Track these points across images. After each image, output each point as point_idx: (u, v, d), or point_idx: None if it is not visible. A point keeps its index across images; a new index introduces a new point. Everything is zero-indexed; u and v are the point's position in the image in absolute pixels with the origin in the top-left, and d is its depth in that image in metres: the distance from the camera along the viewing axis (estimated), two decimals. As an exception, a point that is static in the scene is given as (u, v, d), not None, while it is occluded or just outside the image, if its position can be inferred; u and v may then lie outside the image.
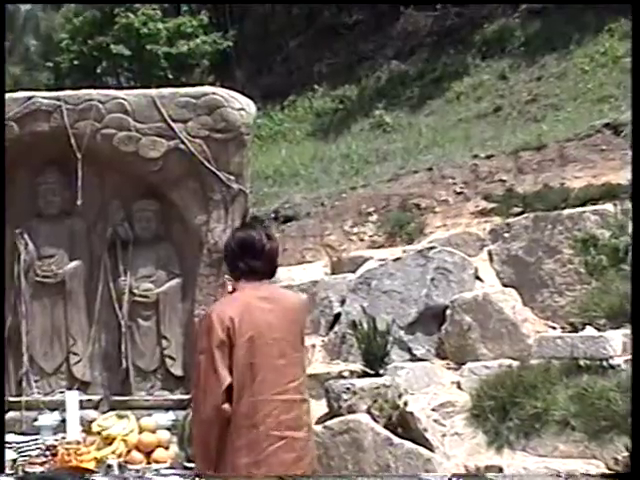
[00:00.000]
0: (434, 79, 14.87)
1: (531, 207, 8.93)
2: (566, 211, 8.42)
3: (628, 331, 6.65)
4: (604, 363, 6.08)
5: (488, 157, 10.93)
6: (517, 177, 10.27)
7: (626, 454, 5.85)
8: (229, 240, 4.24)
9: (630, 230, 4.73)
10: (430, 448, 6.80)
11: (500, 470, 6.51)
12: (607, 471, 5.95)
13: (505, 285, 8.44)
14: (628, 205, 7.40)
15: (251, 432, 3.95)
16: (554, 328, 7.99)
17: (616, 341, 6.70)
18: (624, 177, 8.90)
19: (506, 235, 8.70)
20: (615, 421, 3.95)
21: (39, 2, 19.56)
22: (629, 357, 6.33)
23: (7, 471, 4.91)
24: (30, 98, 5.75)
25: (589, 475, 5.19)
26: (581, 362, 6.13)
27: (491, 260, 8.74)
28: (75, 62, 16.39)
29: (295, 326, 4.16)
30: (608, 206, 8.12)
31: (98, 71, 16.15)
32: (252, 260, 4.12)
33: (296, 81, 16.85)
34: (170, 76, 15.75)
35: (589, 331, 6.62)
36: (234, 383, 3.94)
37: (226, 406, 3.92)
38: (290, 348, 4.11)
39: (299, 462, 4.04)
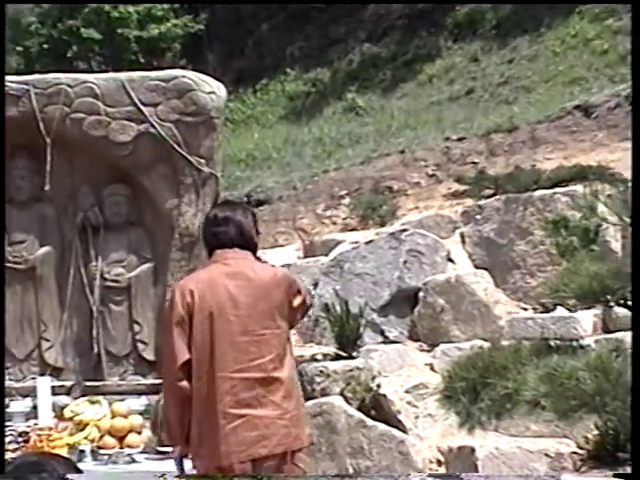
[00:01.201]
0: (406, 62, 14.89)
1: (502, 189, 8.98)
2: (537, 193, 8.47)
3: (598, 311, 6.71)
4: (574, 343, 6.13)
5: (460, 139, 10.97)
6: (489, 159, 10.31)
7: (596, 432, 5.91)
8: (205, 217, 4.31)
9: (602, 213, 4.76)
10: (403, 430, 6.84)
11: (472, 450, 6.57)
12: (577, 449, 6.02)
13: (477, 267, 8.49)
14: (598, 186, 7.44)
15: (209, 409, 3.89)
16: (525, 309, 8.04)
17: (586, 321, 6.77)
18: (594, 158, 8.97)
19: (478, 217, 8.73)
20: (584, 400, 3.98)
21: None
22: (599, 337, 6.40)
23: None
24: (-2, 82, 5.70)
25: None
26: (551, 342, 6.18)
27: (463, 242, 8.77)
28: (45, 46, 16.23)
29: (265, 302, 4.02)
30: (579, 187, 8.18)
31: (69, 55, 16.01)
32: (216, 228, 4.08)
33: (268, 64, 16.80)
34: (142, 60, 15.65)
35: (560, 312, 6.68)
36: (193, 360, 3.89)
37: (184, 383, 3.88)
38: (256, 325, 3.99)
39: (262, 441, 3.93)
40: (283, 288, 4.10)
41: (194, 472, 4.02)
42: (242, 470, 3.85)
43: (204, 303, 3.92)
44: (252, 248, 4.16)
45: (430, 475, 6.29)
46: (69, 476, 1.99)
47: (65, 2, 16.33)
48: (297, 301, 4.14)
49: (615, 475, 4.68)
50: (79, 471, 2.11)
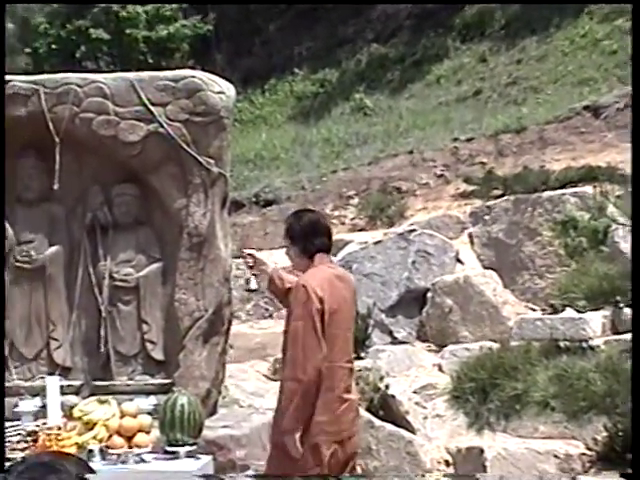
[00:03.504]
0: (414, 62, 14.87)
1: (511, 190, 8.97)
2: (546, 193, 8.46)
3: (607, 312, 6.69)
4: (583, 344, 6.11)
5: (468, 140, 10.96)
6: (497, 160, 10.30)
7: (605, 434, 5.90)
8: (295, 221, 4.72)
9: (609, 213, 4.75)
10: (412, 430, 6.84)
11: (481, 451, 6.56)
12: (586, 451, 6.00)
13: (486, 267, 8.48)
14: (607, 187, 7.42)
15: (327, 394, 4.48)
16: (534, 310, 8.03)
17: (595, 322, 6.75)
18: (603, 159, 8.95)
19: (486, 218, 8.73)
20: (594, 401, 3.97)
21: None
22: (608, 338, 6.38)
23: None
24: (7, 82, 5.69)
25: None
26: (561, 343, 6.16)
27: (472, 243, 8.77)
28: (53, 46, 16.25)
29: (353, 303, 4.82)
30: (587, 188, 8.16)
31: (77, 55, 16.03)
32: (322, 238, 4.67)
33: (276, 65, 16.80)
34: (150, 60, 15.66)
35: (569, 313, 6.66)
36: None
37: (319, 372, 4.43)
38: (352, 322, 4.79)
39: (356, 420, 4.69)
40: (355, 293, 4.93)
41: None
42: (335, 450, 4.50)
43: (330, 300, 4.48)
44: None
45: (446, 475, 6.29)
46: (88, 476, 1.99)
47: (71, 2, 16.35)
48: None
49: (621, 475, 4.67)
50: (92, 471, 2.10)
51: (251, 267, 5.27)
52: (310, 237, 4.64)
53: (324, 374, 4.46)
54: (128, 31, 15.94)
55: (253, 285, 5.39)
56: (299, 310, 4.46)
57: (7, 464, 4.65)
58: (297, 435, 4.44)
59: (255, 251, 5.45)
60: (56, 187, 5.61)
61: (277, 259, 9.00)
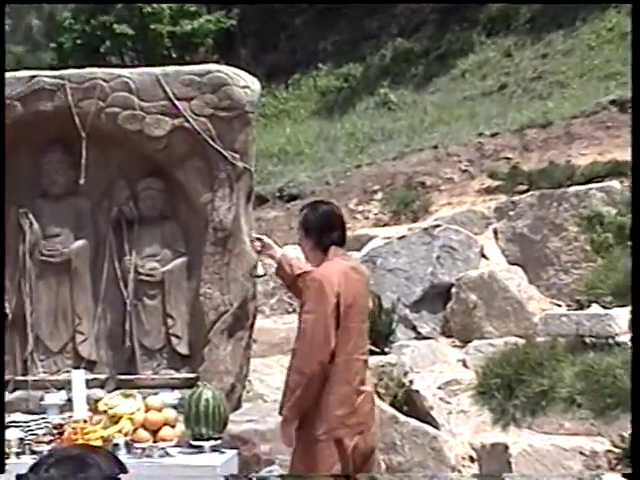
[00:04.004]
0: (439, 57, 14.81)
1: (536, 185, 8.92)
2: (572, 189, 8.40)
3: (634, 308, 6.63)
4: (610, 340, 6.08)
5: (493, 135, 10.91)
6: (522, 155, 10.25)
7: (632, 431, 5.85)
8: (309, 214, 4.68)
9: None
10: (436, 426, 6.82)
11: (506, 448, 6.53)
12: (612, 448, 5.96)
13: (510, 263, 8.44)
14: (634, 182, 7.37)
15: (344, 388, 4.48)
16: (559, 306, 7.99)
17: (621, 319, 6.70)
18: (630, 154, 8.86)
19: (511, 213, 8.68)
20: (621, 398, 3.94)
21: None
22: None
23: (14, 449, 4.92)
24: (33, 77, 5.72)
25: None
26: (587, 340, 6.14)
27: (496, 238, 8.73)
28: (78, 42, 16.32)
29: (367, 295, 4.83)
30: (614, 183, 8.11)
31: (101, 50, 16.09)
32: (337, 231, 4.64)
33: (300, 59, 16.78)
34: (174, 55, 15.70)
35: (595, 309, 6.61)
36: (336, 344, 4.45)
37: (327, 364, 4.40)
38: (365, 314, 4.73)
39: (372, 412, 4.67)
40: (368, 284, 4.91)
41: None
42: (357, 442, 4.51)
43: (346, 294, 4.47)
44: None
45: (474, 476, 6.28)
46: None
47: (79, 2, 16.43)
48: None
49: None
50: (121, 464, 2.10)
51: (259, 252, 5.22)
52: (325, 230, 4.62)
53: (341, 368, 4.46)
54: (152, 26, 15.98)
55: (260, 271, 5.29)
56: (311, 303, 4.46)
57: (32, 457, 4.68)
58: (293, 426, 4.47)
59: (265, 236, 5.34)
60: (82, 182, 5.63)
61: (300, 254, 9.01)
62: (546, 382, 4.54)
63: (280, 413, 4.59)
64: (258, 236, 5.28)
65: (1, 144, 5.64)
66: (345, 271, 4.56)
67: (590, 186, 8.27)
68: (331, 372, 4.43)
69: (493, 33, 14.54)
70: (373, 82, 14.88)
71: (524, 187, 9.09)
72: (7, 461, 4.79)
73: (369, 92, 14.55)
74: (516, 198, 8.79)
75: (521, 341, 6.96)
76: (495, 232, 8.75)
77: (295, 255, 5.38)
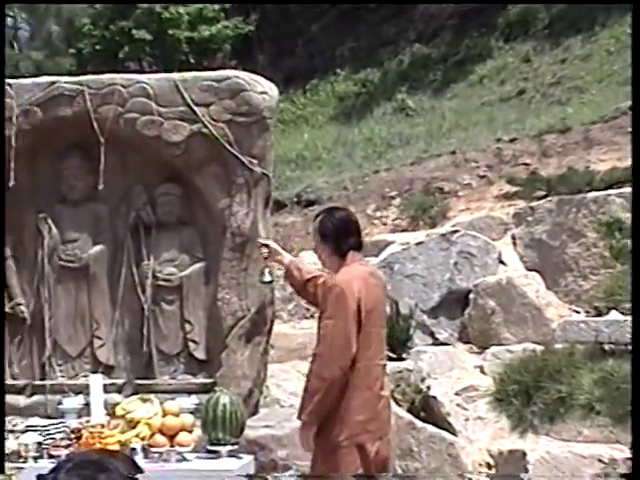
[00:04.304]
0: (457, 62, 14.79)
1: (555, 190, 8.88)
2: (591, 194, 8.36)
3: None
4: (629, 347, 6.04)
5: (512, 140, 10.88)
6: (541, 160, 10.21)
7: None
8: (326, 220, 4.67)
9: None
10: (453, 432, 6.79)
11: (523, 454, 6.50)
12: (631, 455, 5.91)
13: (529, 269, 8.41)
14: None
15: (365, 393, 4.49)
16: (578, 312, 7.95)
17: (641, 325, 6.65)
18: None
19: (530, 219, 8.65)
20: (640, 406, 3.90)
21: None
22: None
23: (32, 453, 4.94)
24: (53, 83, 5.75)
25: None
26: (606, 346, 6.09)
27: (515, 244, 8.70)
28: (97, 47, 16.40)
29: (385, 301, 4.88)
30: (633, 189, 8.03)
31: (120, 56, 16.15)
32: (354, 236, 4.66)
33: (318, 65, 16.79)
34: (192, 61, 15.74)
35: (614, 315, 6.57)
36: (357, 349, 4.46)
37: (347, 370, 4.41)
38: (385, 320, 4.80)
39: (390, 417, 4.75)
40: (385, 289, 4.98)
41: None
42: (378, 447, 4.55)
43: (366, 300, 4.48)
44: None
45: (488, 475, 6.24)
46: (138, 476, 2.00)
47: (89, 2, 16.49)
48: None
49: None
50: (139, 469, 2.10)
51: (266, 258, 5.15)
52: (343, 236, 4.63)
53: (362, 373, 4.47)
54: (170, 32, 16.04)
55: (267, 277, 5.23)
56: (332, 309, 4.46)
57: (50, 461, 4.69)
58: (312, 432, 4.47)
59: (270, 241, 5.29)
60: (101, 187, 5.65)
61: (317, 259, 9.00)
62: (564, 389, 4.50)
63: (299, 418, 4.59)
64: (265, 242, 5.22)
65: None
66: (364, 277, 4.57)
67: (609, 192, 8.22)
68: (352, 377, 4.43)
69: (511, 38, 14.50)
70: (391, 88, 14.87)
71: (542, 193, 9.05)
72: (24, 465, 4.81)
73: (387, 97, 14.54)
74: (534, 204, 8.75)
75: (539, 348, 6.91)
76: (513, 238, 8.71)
77: (299, 260, 5.37)
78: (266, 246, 5.15)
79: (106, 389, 5.29)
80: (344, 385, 4.42)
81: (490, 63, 14.23)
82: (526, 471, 6.44)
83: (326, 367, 4.42)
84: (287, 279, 5.13)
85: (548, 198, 8.71)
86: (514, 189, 9.56)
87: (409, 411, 6.84)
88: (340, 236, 4.62)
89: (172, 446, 4.94)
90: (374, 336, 4.55)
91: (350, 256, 4.61)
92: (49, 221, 5.83)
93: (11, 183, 5.67)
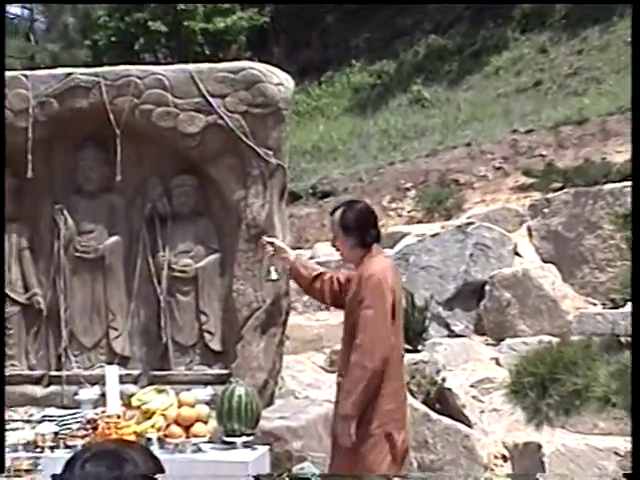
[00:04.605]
0: (473, 53, 14.73)
1: (571, 182, 8.85)
2: (607, 186, 8.32)
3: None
4: (645, 340, 6.01)
5: (528, 132, 10.83)
6: (557, 152, 10.17)
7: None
8: (348, 213, 4.66)
9: None
10: (468, 424, 6.78)
11: (539, 447, 6.48)
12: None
13: (544, 261, 8.38)
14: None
15: (395, 382, 4.58)
16: (594, 304, 7.92)
17: (658, 318, 6.62)
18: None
19: (546, 211, 8.62)
20: (657, 398, 3.89)
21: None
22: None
23: (49, 443, 4.96)
24: (69, 75, 5.76)
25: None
26: (622, 339, 6.06)
27: (530, 236, 8.67)
28: (113, 39, 16.41)
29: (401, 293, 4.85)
30: (651, 181, 7.99)
31: (135, 48, 16.16)
32: (375, 228, 4.70)
33: (333, 56, 16.76)
34: (207, 52, 15.73)
35: (630, 307, 6.54)
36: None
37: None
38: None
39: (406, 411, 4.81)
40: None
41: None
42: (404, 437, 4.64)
43: (397, 291, 4.58)
44: None
45: (508, 475, 6.24)
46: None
47: (96, 3, 16.51)
48: None
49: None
50: (156, 460, 2.11)
51: (272, 256, 5.11)
52: (365, 228, 4.66)
53: (393, 363, 4.52)
54: (186, 23, 16.03)
55: (274, 275, 5.17)
56: (371, 299, 4.47)
57: (66, 451, 4.71)
58: (354, 423, 4.46)
59: (275, 239, 5.23)
60: (118, 178, 5.66)
61: (333, 250, 8.99)
62: (580, 381, 4.49)
63: (339, 412, 4.57)
64: (270, 239, 5.17)
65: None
66: (392, 268, 4.71)
67: (626, 184, 8.18)
68: (385, 367, 4.50)
69: (528, 29, 14.43)
70: (406, 79, 14.83)
71: (559, 184, 9.02)
72: (41, 454, 4.84)
73: (402, 89, 14.50)
74: (551, 196, 8.72)
75: (555, 340, 6.90)
76: (529, 230, 8.69)
77: (304, 257, 5.38)
78: (271, 244, 5.11)
79: (122, 380, 5.30)
80: (382, 375, 4.50)
81: (506, 54, 14.16)
82: (541, 464, 6.43)
83: (368, 357, 4.43)
84: (293, 277, 5.11)
85: (564, 190, 8.68)
86: (530, 181, 9.53)
87: (424, 403, 6.83)
88: (363, 228, 4.65)
89: (187, 437, 4.95)
90: (400, 327, 4.65)
91: (375, 248, 4.65)
92: (65, 212, 5.84)
93: (29, 175, 5.69)
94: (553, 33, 13.98)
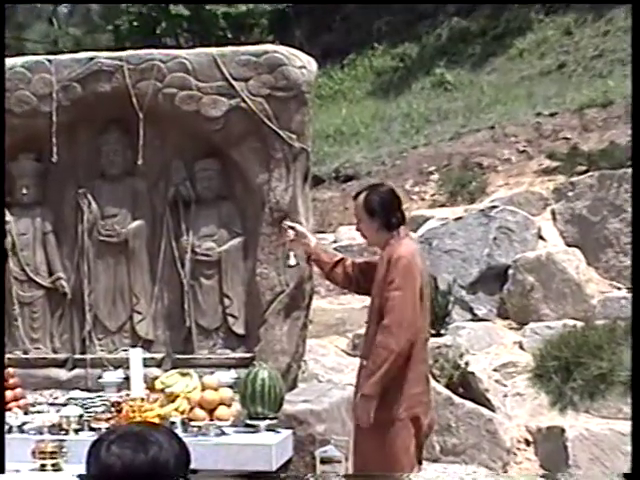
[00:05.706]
0: (496, 36, 14.61)
1: (596, 165, 8.78)
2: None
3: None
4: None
5: (552, 115, 10.75)
6: (582, 135, 10.09)
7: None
8: (373, 196, 4.67)
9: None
10: (491, 408, 6.78)
11: (562, 431, 6.47)
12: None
13: (569, 245, 8.34)
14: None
15: (421, 366, 4.59)
16: (619, 288, 7.87)
17: (684, 302, 6.57)
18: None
19: (570, 194, 8.57)
20: (683, 383, 3.86)
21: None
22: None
23: (74, 426, 4.99)
24: (92, 59, 5.76)
25: None
26: (647, 323, 6.03)
27: (554, 219, 8.63)
28: (135, 23, 16.41)
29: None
30: (676, 164, 7.92)
31: (157, 32, 16.16)
32: (400, 211, 4.70)
33: (355, 39, 16.67)
34: (229, 36, 15.70)
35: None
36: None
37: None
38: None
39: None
40: None
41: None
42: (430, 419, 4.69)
43: (423, 272, 4.60)
44: None
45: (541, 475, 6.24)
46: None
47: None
48: None
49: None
50: (181, 442, 2.12)
51: (292, 241, 5.11)
52: (391, 210, 4.65)
53: (419, 347, 4.53)
54: (207, 7, 16.01)
55: (292, 261, 5.17)
56: (400, 280, 4.45)
57: (91, 434, 4.74)
58: (374, 404, 4.45)
59: (296, 224, 5.23)
60: (140, 162, 5.67)
61: (356, 234, 8.98)
62: (605, 365, 4.47)
63: (359, 392, 4.58)
64: (291, 224, 5.18)
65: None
66: (419, 251, 4.75)
67: (651, 167, 8.11)
68: (412, 350, 4.49)
69: (552, 11, 14.29)
70: (429, 62, 14.74)
71: (583, 168, 8.96)
72: (66, 437, 4.87)
73: (425, 72, 14.42)
74: (575, 179, 8.66)
75: (579, 324, 6.88)
76: (553, 213, 8.64)
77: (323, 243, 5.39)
78: (292, 228, 5.11)
79: (145, 363, 5.33)
80: (407, 358, 4.48)
81: (530, 36, 14.04)
82: (565, 448, 6.41)
83: (394, 339, 4.42)
84: (313, 262, 5.13)
85: (589, 173, 8.62)
86: (554, 164, 9.47)
87: (447, 387, 6.83)
88: (388, 211, 4.64)
89: (211, 420, 4.98)
90: (426, 310, 4.65)
91: (402, 231, 4.66)
92: (89, 196, 5.86)
93: (54, 159, 5.71)
94: (578, 14, 13.83)
